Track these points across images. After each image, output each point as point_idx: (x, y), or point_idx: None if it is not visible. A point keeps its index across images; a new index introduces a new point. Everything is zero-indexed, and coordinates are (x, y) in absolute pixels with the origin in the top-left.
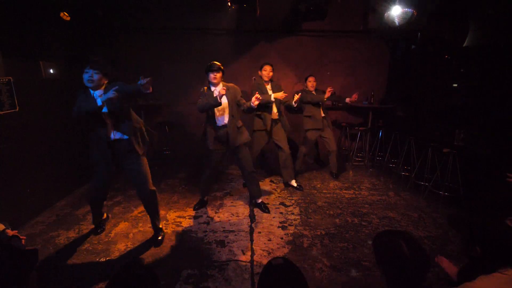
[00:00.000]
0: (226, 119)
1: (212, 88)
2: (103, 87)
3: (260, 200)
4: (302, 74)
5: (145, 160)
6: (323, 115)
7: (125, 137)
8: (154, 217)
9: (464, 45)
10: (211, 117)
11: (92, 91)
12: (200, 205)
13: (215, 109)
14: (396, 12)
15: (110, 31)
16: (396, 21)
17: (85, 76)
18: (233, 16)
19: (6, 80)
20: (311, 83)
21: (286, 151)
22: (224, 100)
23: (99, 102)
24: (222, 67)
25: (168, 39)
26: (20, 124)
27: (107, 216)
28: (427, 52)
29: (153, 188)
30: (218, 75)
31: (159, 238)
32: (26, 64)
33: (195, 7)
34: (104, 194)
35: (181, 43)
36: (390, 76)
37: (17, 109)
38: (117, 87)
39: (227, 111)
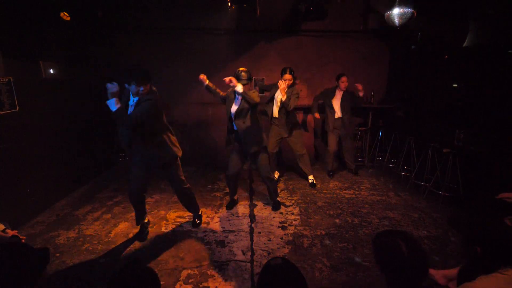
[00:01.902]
0: (237, 124)
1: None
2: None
3: (277, 199)
4: (302, 74)
5: (176, 163)
6: (337, 116)
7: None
8: (189, 208)
9: (464, 45)
10: (229, 120)
11: (132, 97)
12: (232, 204)
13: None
14: (396, 12)
15: (110, 31)
16: (396, 21)
17: (134, 89)
18: (233, 16)
19: (6, 80)
20: (344, 84)
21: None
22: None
23: (129, 110)
24: (251, 77)
25: (168, 39)
26: (20, 124)
27: (148, 220)
28: (427, 52)
29: (187, 185)
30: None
31: (197, 221)
32: (26, 64)
33: (195, 7)
34: (139, 196)
35: (181, 43)
36: (390, 76)
37: (17, 109)
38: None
39: (239, 115)
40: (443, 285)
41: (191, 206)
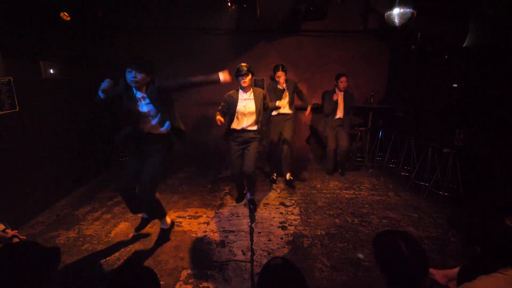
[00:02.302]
0: (245, 124)
1: (241, 94)
2: (144, 87)
3: (252, 197)
4: (302, 74)
5: (164, 160)
6: (337, 117)
7: (162, 129)
8: (152, 214)
9: (464, 45)
10: (232, 121)
11: (135, 90)
12: (241, 198)
13: (238, 113)
14: (396, 12)
15: (110, 31)
16: (396, 21)
17: (129, 76)
18: (233, 16)
19: (6, 80)
20: (343, 84)
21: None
22: (251, 105)
23: (140, 105)
24: (251, 70)
25: (168, 39)
26: (20, 124)
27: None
28: (427, 52)
29: (154, 188)
30: (248, 78)
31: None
32: (26, 64)
33: (195, 7)
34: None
35: (181, 43)
36: (390, 76)
37: (17, 109)
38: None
39: (248, 117)
40: (443, 284)
41: (150, 210)
